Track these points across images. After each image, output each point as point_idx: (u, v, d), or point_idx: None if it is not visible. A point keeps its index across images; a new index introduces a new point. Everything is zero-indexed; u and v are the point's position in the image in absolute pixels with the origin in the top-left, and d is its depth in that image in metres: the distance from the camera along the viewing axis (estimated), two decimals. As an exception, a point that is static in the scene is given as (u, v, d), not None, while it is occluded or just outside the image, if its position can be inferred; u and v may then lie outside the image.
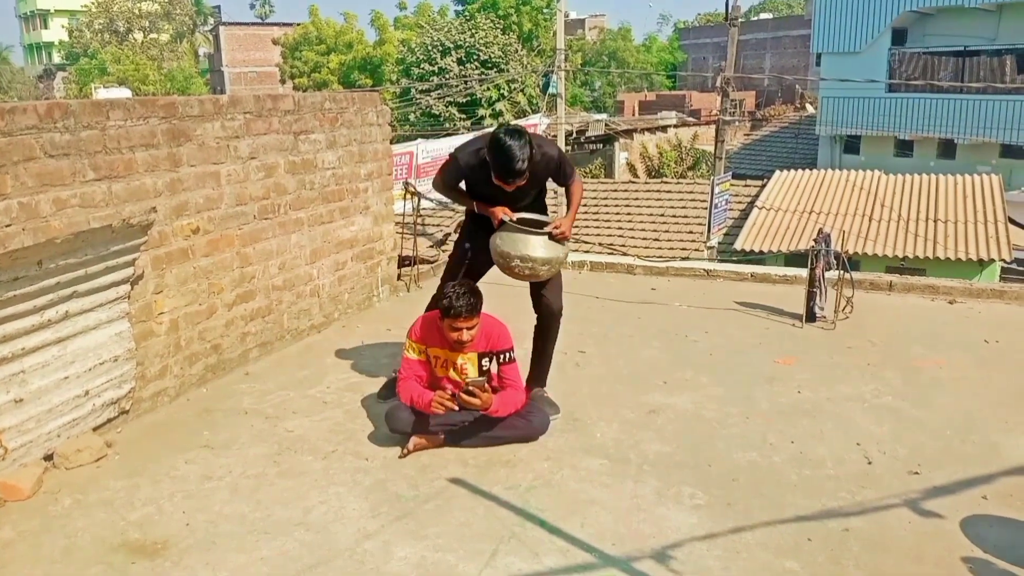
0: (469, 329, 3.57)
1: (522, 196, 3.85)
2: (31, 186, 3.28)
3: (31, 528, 3.09)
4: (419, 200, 6.80)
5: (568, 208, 3.98)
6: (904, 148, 24.50)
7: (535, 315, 4.09)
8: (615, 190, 18.31)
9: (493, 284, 4.11)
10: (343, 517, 3.15)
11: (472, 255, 4.08)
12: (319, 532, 3.05)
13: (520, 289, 4.02)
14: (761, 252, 14.31)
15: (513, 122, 17.25)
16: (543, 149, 3.78)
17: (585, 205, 17.39)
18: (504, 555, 2.89)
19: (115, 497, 3.30)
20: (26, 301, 3.30)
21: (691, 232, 15.64)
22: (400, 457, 3.58)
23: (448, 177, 3.98)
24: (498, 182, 3.65)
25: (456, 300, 3.50)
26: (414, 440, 3.61)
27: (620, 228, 16.37)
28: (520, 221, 3.79)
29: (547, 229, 3.78)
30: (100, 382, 3.72)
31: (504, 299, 4.37)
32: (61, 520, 3.14)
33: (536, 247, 3.75)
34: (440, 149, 13.88)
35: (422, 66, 29.57)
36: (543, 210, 4.09)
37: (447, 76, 28.17)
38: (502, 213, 3.79)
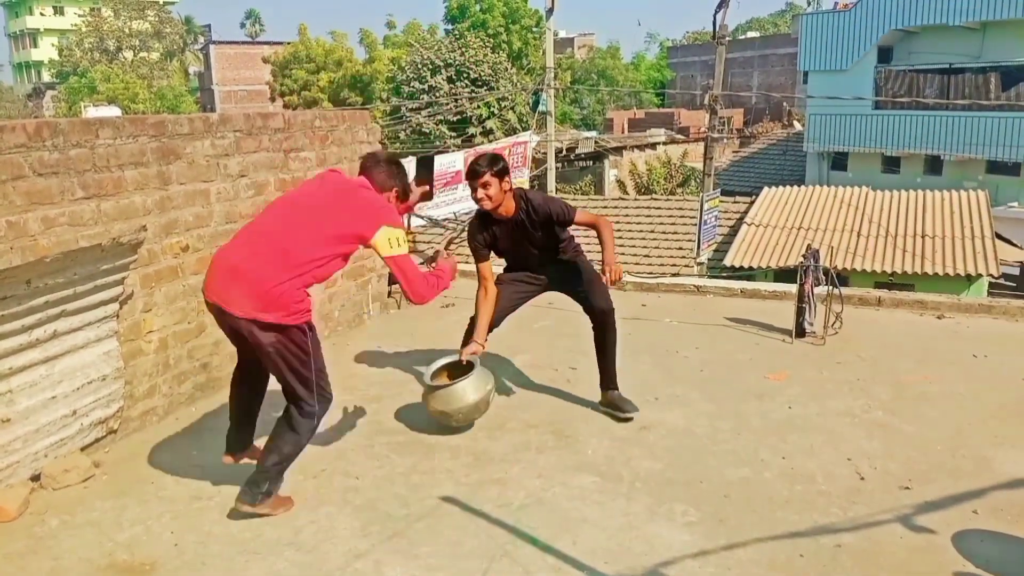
0: (484, 188, 3.87)
1: (535, 241, 4.12)
2: (20, 205, 3.27)
3: (17, 549, 3.05)
4: (410, 217, 6.81)
5: (603, 247, 4.04)
6: (891, 165, 24.71)
7: (590, 322, 4.25)
8: (605, 207, 18.34)
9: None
10: (333, 537, 3.13)
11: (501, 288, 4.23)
12: (309, 552, 3.03)
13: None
14: (750, 268, 14.36)
15: (504, 140, 17.32)
16: (533, 201, 4.04)
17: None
18: (496, 574, 2.87)
19: (103, 518, 3.27)
20: (14, 320, 3.28)
21: (681, 248, 15.68)
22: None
23: (475, 255, 4.15)
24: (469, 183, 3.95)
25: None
26: None
27: (610, 245, 16.38)
28: (439, 373, 4.09)
29: (604, 278, 3.93)
30: (88, 402, 3.69)
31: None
32: (48, 541, 3.11)
33: (467, 393, 3.90)
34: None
35: (412, 84, 29.67)
36: (565, 252, 4.26)
37: (437, 94, 28.28)
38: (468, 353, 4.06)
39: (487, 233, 4.11)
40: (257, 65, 52.34)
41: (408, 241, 3.74)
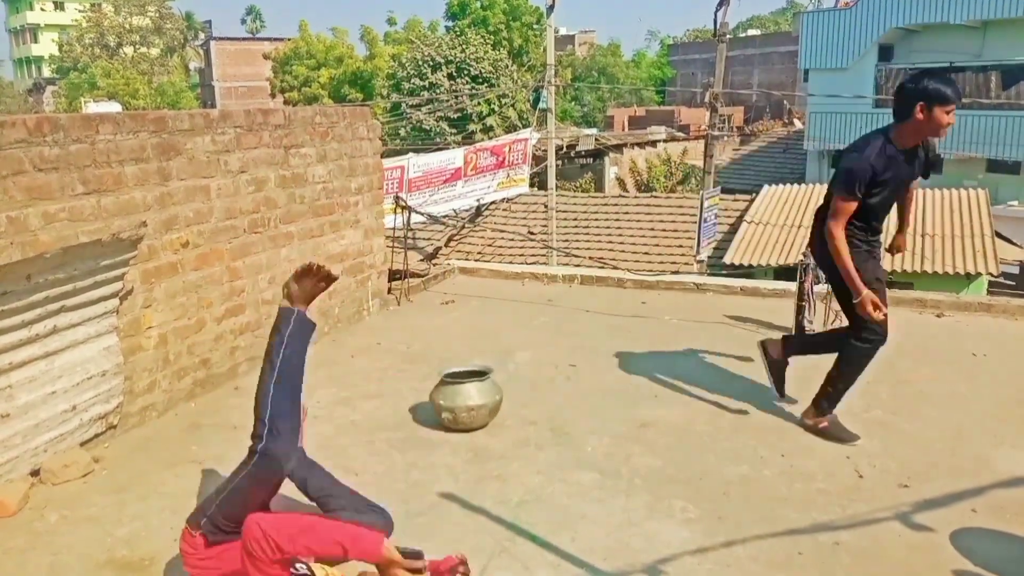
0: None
1: (907, 185, 3.94)
2: (20, 200, 3.27)
3: (16, 545, 3.05)
4: (409, 214, 6.81)
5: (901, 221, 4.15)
6: (891, 163, 24.67)
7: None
8: (605, 204, 18.35)
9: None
10: (333, 532, 3.12)
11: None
12: (308, 548, 3.02)
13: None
14: (750, 266, 14.36)
15: (504, 137, 17.26)
16: None
17: (575, 219, 17.44)
18: (495, 570, 2.88)
19: (102, 513, 3.27)
20: (14, 316, 3.28)
21: (681, 246, 15.69)
22: None
23: (857, 187, 3.68)
24: (944, 115, 3.50)
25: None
26: None
27: (610, 242, 16.41)
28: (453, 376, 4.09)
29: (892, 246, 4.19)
30: (88, 397, 3.69)
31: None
32: (47, 536, 3.11)
33: (473, 394, 3.97)
34: (430, 163, 13.82)
35: (412, 81, 29.68)
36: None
37: (438, 91, 28.29)
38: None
39: (882, 171, 3.66)
40: (258, 61, 52.36)
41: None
